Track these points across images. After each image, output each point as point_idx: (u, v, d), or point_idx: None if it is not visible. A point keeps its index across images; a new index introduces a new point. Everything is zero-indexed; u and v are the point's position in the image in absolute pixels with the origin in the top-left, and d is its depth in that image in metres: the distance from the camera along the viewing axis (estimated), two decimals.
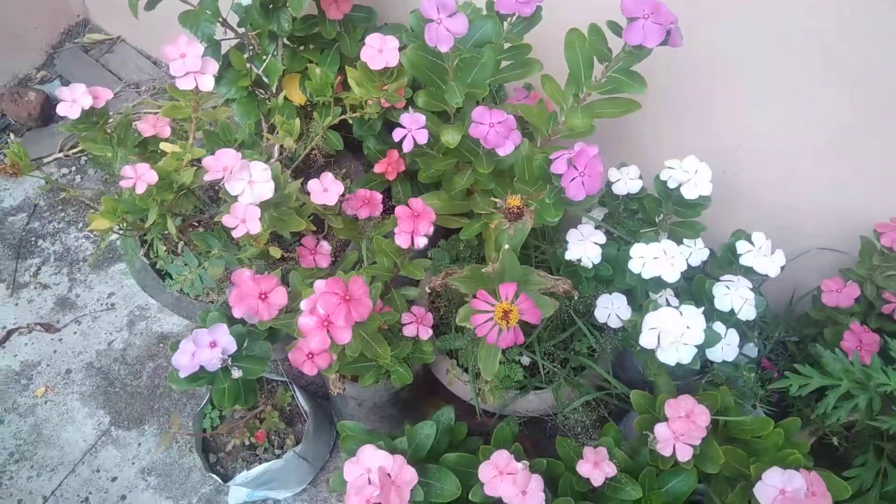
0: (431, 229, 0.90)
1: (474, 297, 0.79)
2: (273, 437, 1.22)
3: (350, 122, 1.13)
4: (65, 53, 2.05)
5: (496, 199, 0.86)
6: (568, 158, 0.88)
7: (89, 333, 1.60)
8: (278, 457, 1.19)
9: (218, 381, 0.97)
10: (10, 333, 1.59)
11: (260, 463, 1.18)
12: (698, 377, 1.15)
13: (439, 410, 1.07)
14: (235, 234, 0.79)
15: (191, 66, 0.82)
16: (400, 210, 0.90)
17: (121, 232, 0.97)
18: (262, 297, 0.81)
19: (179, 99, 0.90)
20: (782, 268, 1.06)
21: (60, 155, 1.87)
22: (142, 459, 1.44)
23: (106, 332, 1.60)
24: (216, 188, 1.21)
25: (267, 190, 0.81)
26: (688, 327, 0.87)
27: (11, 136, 1.88)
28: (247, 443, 1.19)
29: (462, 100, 0.91)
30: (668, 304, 1.00)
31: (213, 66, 0.86)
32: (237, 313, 0.81)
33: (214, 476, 1.16)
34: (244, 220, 0.79)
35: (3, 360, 1.56)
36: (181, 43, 0.83)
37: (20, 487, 1.41)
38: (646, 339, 0.88)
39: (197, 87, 0.83)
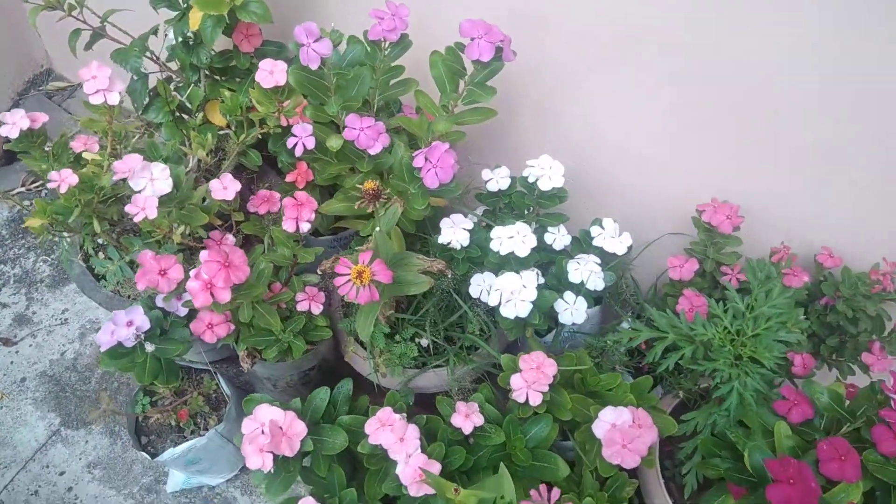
0: (313, 216, 1.07)
1: (338, 265, 0.96)
2: (199, 420, 1.36)
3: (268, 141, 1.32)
4: (30, 100, 2.25)
5: (359, 186, 1.03)
6: (424, 154, 1.06)
7: (43, 345, 1.74)
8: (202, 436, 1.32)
9: (135, 357, 1.12)
10: None
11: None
12: (570, 347, 1.32)
13: (339, 382, 1.22)
14: (136, 219, 0.95)
15: (100, 84, 1.00)
16: (287, 201, 1.08)
17: (56, 233, 1.14)
18: (162, 273, 0.97)
19: (94, 114, 1.07)
20: (629, 248, 1.24)
21: (23, 189, 2.04)
22: (88, 455, 1.57)
23: (59, 343, 1.74)
24: None
25: (165, 186, 0.98)
26: (524, 286, 1.04)
27: None
28: (173, 423, 1.33)
29: (337, 110, 1.10)
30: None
31: (120, 86, 1.04)
32: (140, 286, 0.97)
33: (144, 454, 1.30)
34: (144, 208, 0.95)
35: None
36: (93, 67, 1.01)
37: None
38: (491, 299, 1.05)
39: (105, 101, 1.01)
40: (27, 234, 1.95)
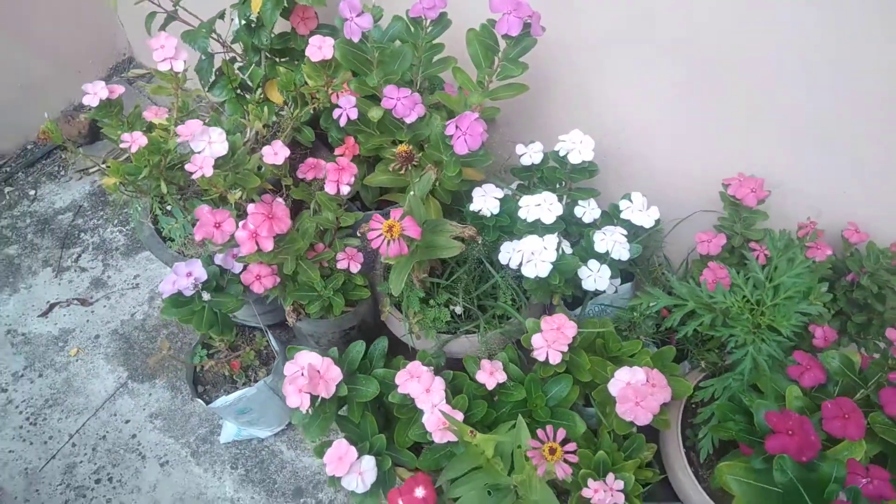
0: (353, 180, 1.16)
1: (371, 220, 1.04)
2: (250, 373, 1.48)
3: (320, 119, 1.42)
4: (112, 84, 2.44)
5: (391, 147, 1.11)
6: (455, 123, 1.13)
7: (116, 307, 1.90)
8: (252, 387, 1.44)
9: (193, 306, 1.24)
10: (52, 306, 1.91)
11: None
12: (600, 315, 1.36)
13: (377, 339, 1.31)
14: (194, 176, 1.06)
15: (167, 53, 1.12)
16: (330, 165, 1.17)
17: (128, 193, 1.27)
18: (217, 225, 1.08)
19: (162, 81, 1.20)
20: (657, 221, 1.28)
21: (104, 165, 2.22)
22: (151, 407, 1.72)
23: (130, 305, 1.90)
24: None
25: (222, 149, 1.09)
26: (545, 248, 1.10)
27: (66, 152, 2.25)
28: (227, 374, 1.45)
29: (378, 82, 1.19)
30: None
31: (184, 54, 1.15)
32: (198, 237, 1.08)
33: (199, 400, 1.42)
34: (202, 167, 1.06)
35: (46, 327, 1.87)
36: (161, 37, 1.13)
37: (51, 427, 1.70)
38: (513, 260, 1.11)
39: (172, 68, 1.13)
40: (106, 206, 2.13)
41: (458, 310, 1.38)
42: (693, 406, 1.28)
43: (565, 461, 0.91)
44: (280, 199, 1.26)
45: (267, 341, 1.50)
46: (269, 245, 1.02)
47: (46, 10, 2.15)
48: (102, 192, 2.18)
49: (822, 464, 0.82)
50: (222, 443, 1.65)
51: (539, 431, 0.93)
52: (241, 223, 1.02)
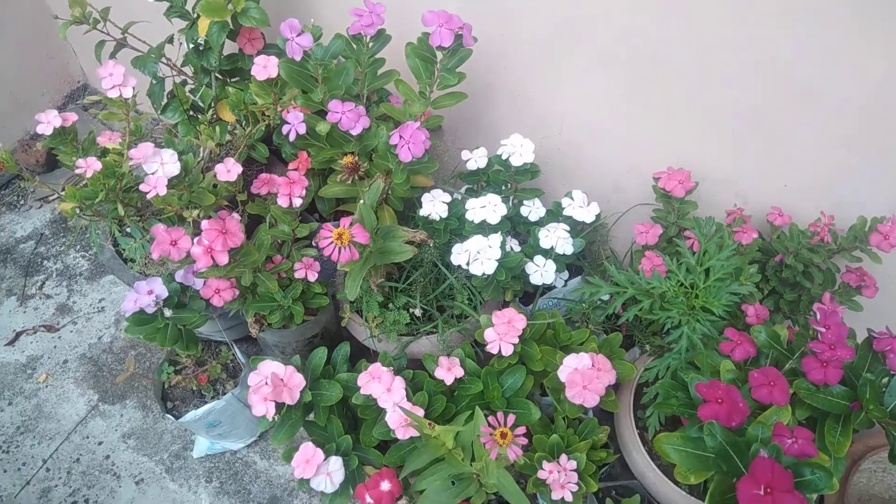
0: (304, 192, 1.21)
1: (322, 229, 1.09)
2: (218, 387, 1.51)
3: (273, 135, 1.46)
4: (68, 112, 2.45)
5: (340, 161, 1.17)
6: (398, 133, 1.19)
7: (83, 331, 1.92)
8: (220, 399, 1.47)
9: (157, 322, 1.28)
10: (18, 335, 1.92)
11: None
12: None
13: (339, 345, 1.36)
14: (149, 196, 1.10)
15: (116, 81, 1.16)
16: (280, 179, 1.22)
17: (85, 217, 1.30)
18: (173, 243, 1.12)
19: (112, 107, 1.23)
20: (597, 216, 1.35)
21: (62, 193, 2.23)
22: (123, 427, 1.74)
23: (97, 329, 1.92)
24: None
25: (174, 169, 1.13)
26: (489, 246, 1.16)
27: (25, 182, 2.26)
28: (195, 388, 1.48)
29: (322, 98, 1.24)
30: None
31: (133, 80, 1.19)
32: (155, 255, 1.11)
33: (169, 416, 1.45)
34: (155, 186, 1.10)
35: (13, 355, 1.88)
36: (109, 66, 1.17)
37: (24, 453, 1.71)
38: (461, 259, 1.17)
39: (121, 94, 1.17)
40: (67, 233, 2.15)
41: (418, 312, 1.43)
42: (644, 390, 1.35)
43: (516, 444, 0.97)
44: (234, 215, 1.31)
45: (233, 354, 1.54)
46: (223, 259, 1.06)
47: (4, 45, 2.16)
48: (63, 219, 2.19)
49: (749, 427, 0.89)
50: (195, 457, 1.68)
51: (490, 418, 0.99)
52: (195, 239, 1.06)
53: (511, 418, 0.98)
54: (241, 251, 1.11)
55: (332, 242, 1.07)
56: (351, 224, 1.08)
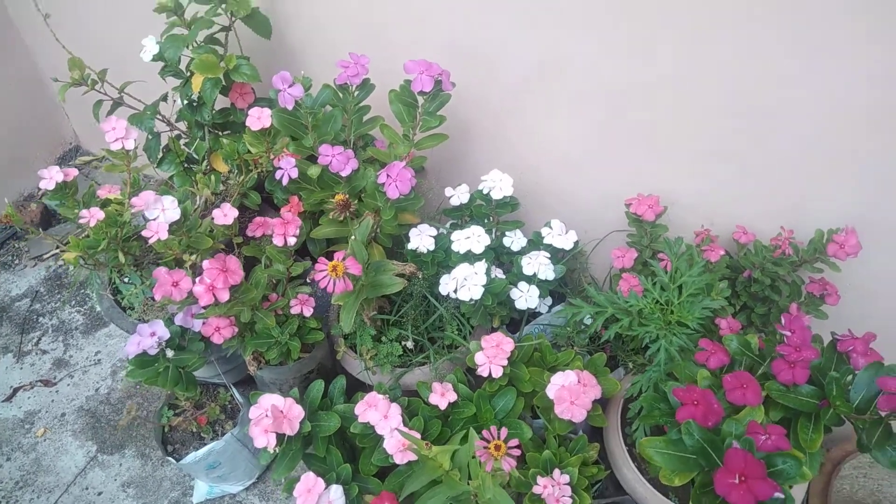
0: (298, 231, 1.28)
1: (317, 263, 1.16)
2: (217, 428, 1.55)
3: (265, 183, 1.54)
4: (68, 168, 2.53)
5: (331, 199, 1.24)
6: (386, 172, 1.27)
7: (80, 384, 1.95)
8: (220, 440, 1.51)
9: (158, 365, 1.32)
10: (15, 391, 1.94)
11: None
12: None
13: (335, 379, 1.41)
14: (151, 241, 1.17)
15: (118, 134, 1.24)
16: (275, 221, 1.29)
17: (87, 266, 1.36)
18: (175, 284, 1.18)
19: (114, 160, 1.31)
20: (576, 243, 1.43)
21: (57, 251, 2.28)
22: (122, 476, 1.76)
23: (94, 381, 1.95)
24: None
25: (175, 214, 1.20)
26: (475, 273, 1.23)
27: (19, 242, 2.31)
28: (194, 430, 1.51)
29: (313, 143, 1.32)
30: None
31: (135, 134, 1.27)
32: (157, 297, 1.17)
33: (170, 458, 1.48)
34: (157, 232, 1.17)
35: (10, 411, 1.90)
36: (111, 121, 1.25)
37: None
38: (449, 287, 1.24)
39: (123, 147, 1.25)
40: (62, 290, 2.19)
41: (409, 344, 1.49)
42: (630, 406, 1.40)
43: (509, 455, 1.02)
44: (233, 257, 1.38)
45: (231, 396, 1.58)
46: (225, 296, 1.12)
47: (1, 109, 2.26)
48: (58, 276, 2.24)
49: (724, 425, 0.95)
50: (195, 503, 1.69)
51: (484, 432, 1.04)
52: (198, 278, 1.13)
53: (504, 431, 1.04)
54: (240, 289, 1.17)
55: (327, 275, 1.14)
56: (344, 258, 1.15)
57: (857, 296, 1.28)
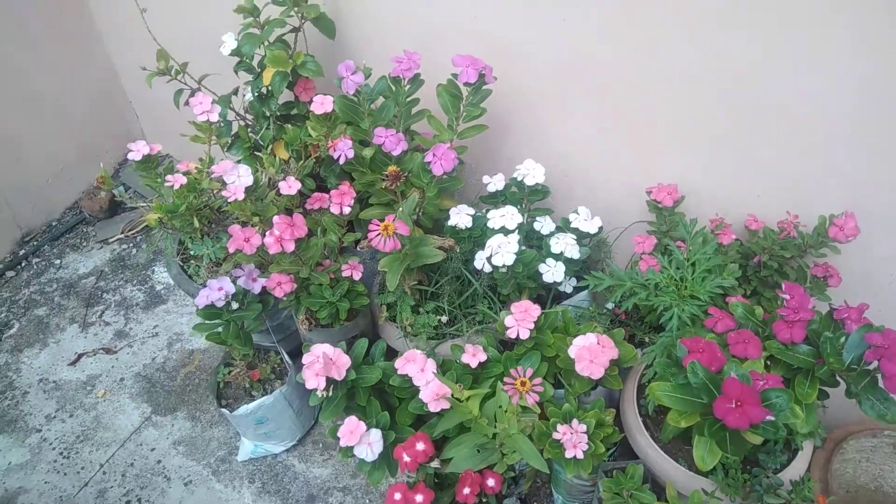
0: (352, 202, 1.45)
1: (371, 224, 1.32)
2: (267, 387, 1.70)
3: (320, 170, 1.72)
4: (126, 167, 2.75)
5: (383, 175, 1.41)
6: (432, 152, 1.44)
7: (138, 353, 2.12)
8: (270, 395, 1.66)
9: (223, 315, 1.49)
10: (80, 356, 2.13)
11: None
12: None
13: (376, 341, 1.56)
14: (229, 201, 1.34)
15: (205, 108, 1.43)
16: (333, 192, 1.46)
17: (166, 229, 1.54)
18: (247, 240, 1.35)
19: (199, 132, 1.50)
20: (600, 228, 1.57)
21: (122, 235, 2.50)
22: (174, 435, 1.91)
23: (151, 352, 2.13)
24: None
25: (249, 180, 1.38)
26: (508, 242, 1.38)
27: (87, 227, 2.53)
28: (247, 386, 1.67)
29: (368, 126, 1.50)
30: None
31: (217, 110, 1.46)
32: (231, 249, 1.34)
33: (224, 410, 1.64)
34: (234, 193, 1.35)
35: (74, 374, 2.08)
36: (199, 97, 1.44)
37: (84, 458, 1.88)
38: (484, 253, 1.39)
39: (208, 119, 1.43)
40: (125, 270, 2.39)
41: (444, 318, 1.64)
42: (644, 371, 1.52)
43: (533, 391, 1.15)
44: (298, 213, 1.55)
45: (280, 358, 1.74)
46: (291, 246, 1.29)
47: (78, 103, 2.49)
48: (121, 258, 2.44)
49: (724, 367, 1.08)
50: (240, 461, 1.84)
51: (511, 370, 1.18)
52: (268, 231, 1.30)
53: (529, 370, 1.17)
54: (303, 244, 1.34)
55: (379, 234, 1.30)
56: (394, 220, 1.31)
57: (855, 279, 1.40)
